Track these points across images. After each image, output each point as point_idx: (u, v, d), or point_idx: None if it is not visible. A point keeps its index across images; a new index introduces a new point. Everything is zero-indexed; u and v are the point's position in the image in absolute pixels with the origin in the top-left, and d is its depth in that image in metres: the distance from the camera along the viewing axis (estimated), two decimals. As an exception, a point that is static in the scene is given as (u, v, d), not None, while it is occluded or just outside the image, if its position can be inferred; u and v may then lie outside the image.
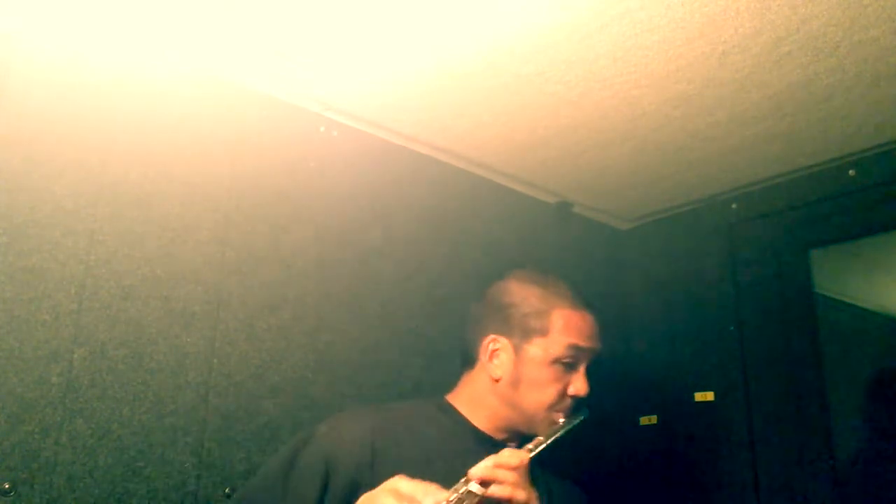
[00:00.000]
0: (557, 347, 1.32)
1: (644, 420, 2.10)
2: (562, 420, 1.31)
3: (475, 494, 1.08)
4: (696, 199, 2.10)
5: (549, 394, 1.32)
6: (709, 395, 1.97)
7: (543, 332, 1.33)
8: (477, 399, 1.36)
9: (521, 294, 1.37)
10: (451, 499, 1.06)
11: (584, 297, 1.40)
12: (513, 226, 1.98)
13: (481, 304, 1.42)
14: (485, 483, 1.11)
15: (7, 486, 1.16)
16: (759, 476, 1.84)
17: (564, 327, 1.34)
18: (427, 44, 1.42)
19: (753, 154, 1.82)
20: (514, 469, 1.15)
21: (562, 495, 1.37)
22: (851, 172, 1.81)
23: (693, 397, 1.99)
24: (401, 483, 1.07)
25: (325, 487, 1.19)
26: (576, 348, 1.33)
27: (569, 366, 1.33)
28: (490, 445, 1.29)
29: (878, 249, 1.93)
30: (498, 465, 1.14)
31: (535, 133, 1.74)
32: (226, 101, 1.54)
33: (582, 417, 1.34)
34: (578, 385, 1.33)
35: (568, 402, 1.33)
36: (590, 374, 1.38)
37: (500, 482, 1.12)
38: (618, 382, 2.13)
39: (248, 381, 1.44)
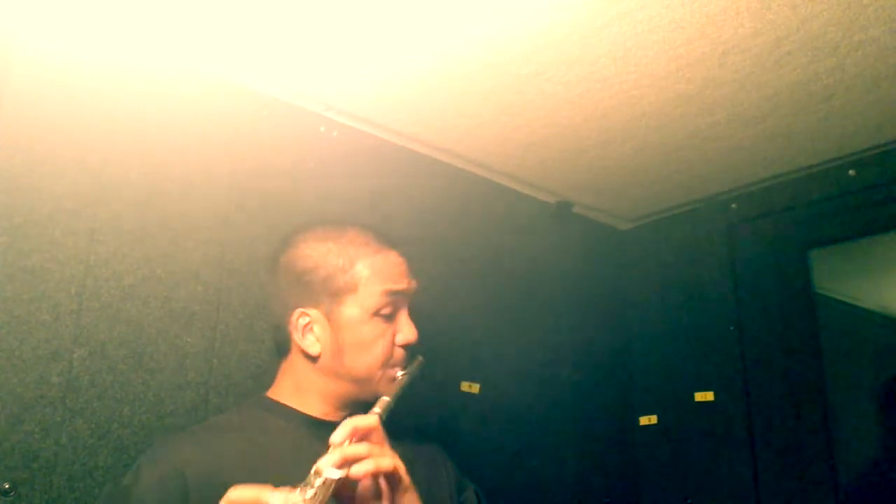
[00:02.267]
0: (372, 299, 1.19)
1: (644, 420, 2.10)
2: (400, 373, 1.20)
3: (333, 480, 0.94)
4: (696, 199, 2.10)
5: (379, 351, 1.19)
6: (709, 395, 1.97)
7: (352, 289, 1.19)
8: (302, 384, 1.22)
9: (316, 255, 1.21)
10: (304, 494, 0.91)
11: (384, 236, 1.26)
12: (513, 226, 1.98)
13: (276, 278, 1.25)
14: (343, 466, 0.97)
15: (7, 486, 1.16)
16: (759, 476, 1.84)
17: (372, 276, 1.20)
18: (427, 44, 1.42)
19: (753, 154, 1.82)
20: (367, 438, 1.02)
21: (423, 460, 1.26)
22: (851, 172, 1.81)
23: (693, 397, 1.99)
24: (234, 493, 0.92)
25: None
26: (391, 294, 1.21)
27: (389, 316, 1.21)
28: (330, 432, 1.10)
29: (878, 249, 1.93)
30: (352, 433, 1.00)
31: (535, 133, 1.74)
32: (226, 101, 1.54)
33: (419, 361, 1.24)
34: (406, 332, 1.22)
35: (400, 353, 1.22)
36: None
37: (359, 458, 0.98)
38: (618, 382, 2.13)
39: (248, 381, 1.44)
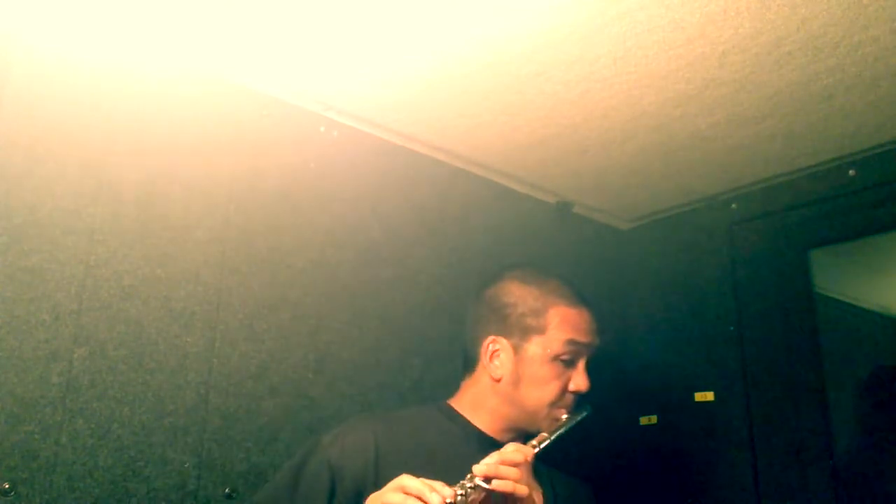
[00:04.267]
0: (556, 344, 1.34)
1: (644, 420, 2.10)
2: (564, 416, 1.33)
3: (480, 489, 1.11)
4: (696, 199, 2.10)
5: (550, 391, 1.33)
6: (709, 395, 1.97)
7: (541, 331, 1.34)
8: (479, 401, 1.38)
9: (518, 294, 1.38)
10: (457, 493, 1.08)
11: (580, 294, 1.42)
12: (513, 226, 1.98)
13: (479, 306, 1.43)
14: (488, 479, 1.13)
15: (7, 486, 1.16)
16: (759, 476, 1.84)
17: (561, 324, 1.35)
18: (427, 44, 1.42)
19: (753, 154, 1.82)
20: (517, 465, 1.16)
21: (568, 492, 1.38)
22: (851, 172, 1.81)
23: (693, 397, 1.99)
24: (406, 480, 1.09)
25: (331, 494, 1.22)
26: (573, 343, 1.35)
27: (568, 362, 1.35)
28: (493, 447, 1.30)
29: (878, 249, 1.93)
30: (502, 462, 1.16)
31: (535, 133, 1.74)
32: (226, 101, 1.54)
33: (584, 413, 1.36)
34: (579, 381, 1.35)
35: (569, 398, 1.35)
36: (591, 374, 1.39)
37: (503, 478, 1.13)
38: (618, 382, 2.13)
39: (248, 381, 1.44)
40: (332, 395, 1.54)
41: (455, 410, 1.40)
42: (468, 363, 1.42)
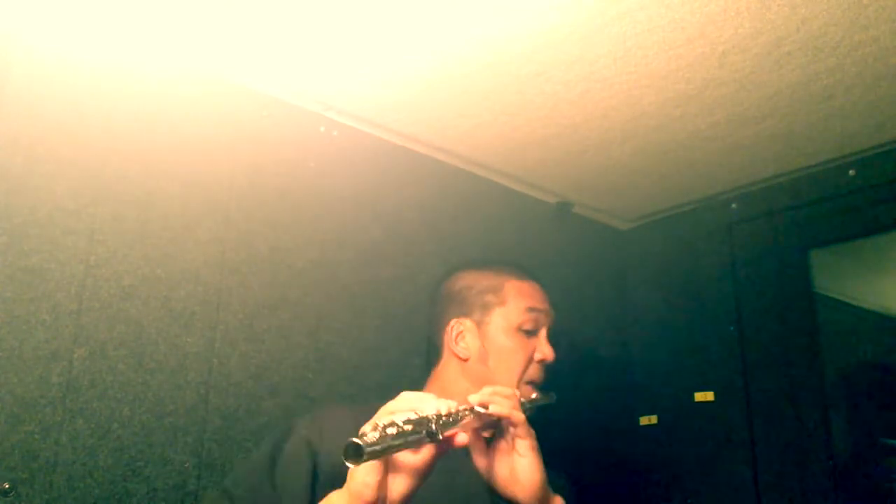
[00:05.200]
0: (516, 314, 1.38)
1: (644, 420, 2.10)
2: (535, 395, 1.35)
3: (477, 413, 1.12)
4: (696, 199, 2.10)
5: (518, 361, 1.37)
6: (709, 395, 1.97)
7: (501, 303, 1.39)
8: (449, 387, 1.37)
9: (473, 277, 1.44)
10: (458, 408, 1.09)
11: (529, 271, 1.48)
12: (513, 226, 1.98)
13: (437, 298, 1.48)
14: (484, 406, 1.14)
15: (7, 486, 1.16)
16: (759, 476, 1.85)
17: (518, 295, 1.40)
18: (427, 44, 1.42)
19: (753, 154, 1.82)
20: (508, 397, 1.18)
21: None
22: (851, 172, 1.81)
23: (693, 397, 1.99)
24: (407, 394, 1.08)
25: (313, 476, 1.18)
26: (534, 311, 1.39)
27: (530, 332, 1.39)
28: None
29: (878, 249, 1.93)
30: (494, 393, 1.17)
31: (535, 133, 1.74)
32: (226, 101, 1.54)
33: (554, 398, 1.38)
34: (544, 349, 1.39)
35: (537, 368, 1.38)
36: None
37: (498, 404, 1.15)
38: (618, 382, 2.13)
39: (248, 381, 1.44)
40: (332, 395, 1.54)
41: None
42: (432, 355, 1.44)
